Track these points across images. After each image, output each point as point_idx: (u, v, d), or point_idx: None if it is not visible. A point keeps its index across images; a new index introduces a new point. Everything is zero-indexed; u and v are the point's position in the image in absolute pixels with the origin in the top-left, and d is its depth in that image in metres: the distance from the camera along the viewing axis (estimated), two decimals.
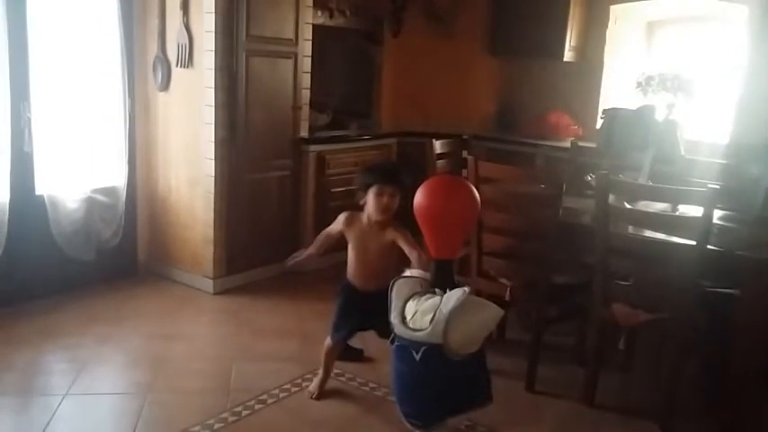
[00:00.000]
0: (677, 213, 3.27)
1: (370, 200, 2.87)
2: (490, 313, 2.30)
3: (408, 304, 2.36)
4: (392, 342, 2.45)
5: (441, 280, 2.40)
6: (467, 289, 2.28)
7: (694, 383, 3.33)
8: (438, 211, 2.40)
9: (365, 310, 3.01)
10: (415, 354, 2.30)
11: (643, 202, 3.31)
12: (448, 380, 2.31)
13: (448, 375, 2.30)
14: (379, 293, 2.77)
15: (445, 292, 2.32)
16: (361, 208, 3.02)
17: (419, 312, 2.31)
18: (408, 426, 2.45)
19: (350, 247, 3.07)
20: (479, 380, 2.40)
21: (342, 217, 3.05)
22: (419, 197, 2.42)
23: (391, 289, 2.43)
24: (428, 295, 2.35)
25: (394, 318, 2.37)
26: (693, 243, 2.81)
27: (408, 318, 2.34)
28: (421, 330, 2.27)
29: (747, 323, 2.89)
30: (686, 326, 2.95)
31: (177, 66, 4.37)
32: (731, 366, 3.00)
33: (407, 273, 2.51)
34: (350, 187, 5.10)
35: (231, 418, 2.96)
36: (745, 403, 2.94)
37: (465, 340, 2.26)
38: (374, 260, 3.00)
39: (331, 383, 3.30)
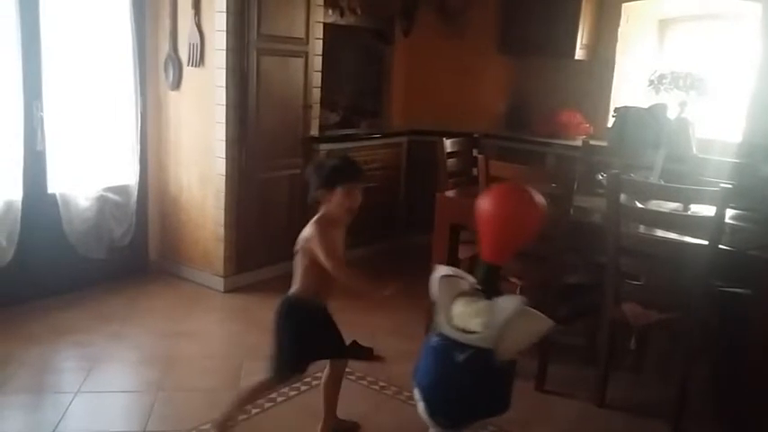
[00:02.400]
0: (689, 213, 3.25)
1: (338, 199, 2.55)
2: (542, 325, 2.30)
3: (456, 303, 2.35)
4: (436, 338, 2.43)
5: (488, 283, 2.40)
6: (523, 298, 2.29)
7: (706, 384, 3.31)
8: (504, 218, 2.39)
9: (332, 328, 2.72)
10: (458, 355, 2.29)
11: (655, 202, 3.29)
12: (485, 385, 2.31)
13: (487, 381, 2.31)
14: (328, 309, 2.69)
15: (489, 295, 2.32)
16: (315, 207, 2.65)
17: (468, 313, 2.30)
18: (431, 424, 2.44)
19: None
20: (508, 388, 2.41)
21: (322, 229, 2.57)
22: (488, 203, 2.41)
23: (436, 286, 2.41)
24: (475, 297, 2.35)
25: (441, 317, 2.36)
26: (706, 243, 2.79)
27: (454, 317, 2.33)
28: (472, 333, 2.27)
29: (760, 323, 2.87)
30: (698, 326, 2.93)
31: (189, 65, 4.39)
32: (744, 366, 2.98)
33: (445, 270, 2.48)
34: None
35: (241, 417, 2.96)
36: (757, 403, 2.92)
37: (512, 348, 2.27)
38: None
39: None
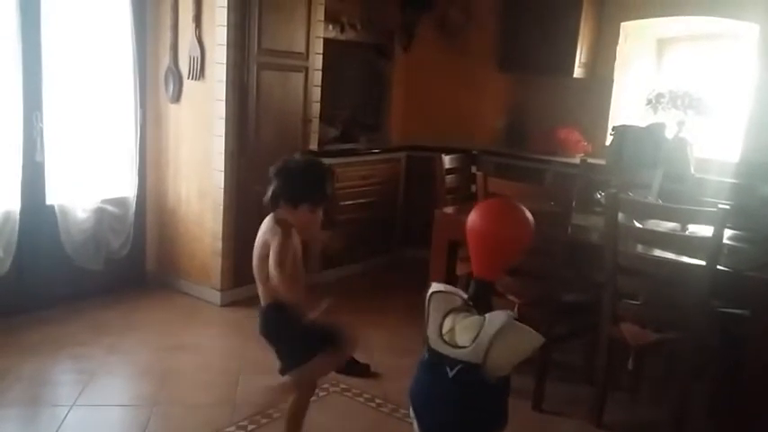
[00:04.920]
0: (687, 233, 3.25)
1: (302, 215, 2.47)
2: (532, 341, 2.30)
3: (447, 319, 2.36)
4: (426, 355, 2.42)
5: (479, 299, 2.41)
6: (511, 313, 2.29)
7: (704, 404, 3.30)
8: (491, 234, 2.40)
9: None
10: (448, 370, 2.29)
11: (653, 221, 3.30)
12: (477, 400, 2.31)
13: (478, 396, 2.30)
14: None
15: (481, 311, 2.33)
16: (272, 208, 2.55)
17: (458, 328, 2.31)
18: None
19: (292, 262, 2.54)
20: (502, 404, 2.40)
21: (285, 233, 2.48)
22: (476, 217, 2.42)
23: (429, 301, 2.41)
24: (465, 312, 2.36)
25: (431, 331, 2.36)
26: (703, 263, 2.80)
27: (444, 332, 2.34)
28: (461, 348, 2.27)
29: (758, 343, 2.87)
30: (696, 346, 2.93)
31: (189, 78, 4.40)
32: (742, 387, 2.98)
33: (438, 287, 2.49)
34: (359, 200, 5.18)
35: (251, 427, 2.95)
36: (755, 424, 2.91)
37: (502, 363, 2.27)
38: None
39: (337, 399, 3.29)
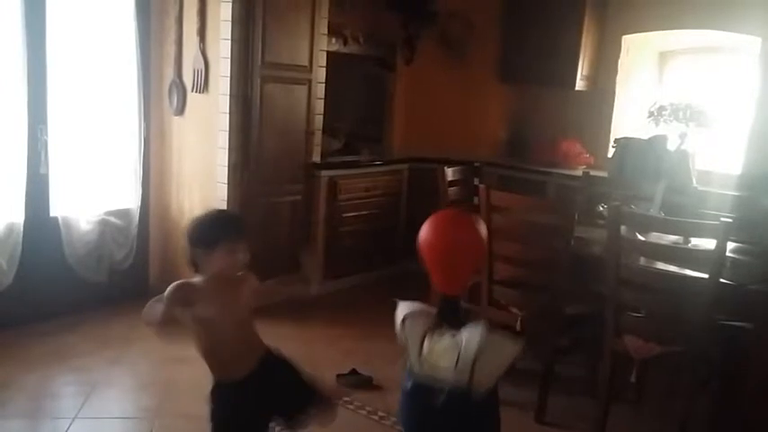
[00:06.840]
0: (690, 246, 3.25)
1: (219, 259, 2.32)
2: (512, 351, 2.25)
3: (424, 343, 2.30)
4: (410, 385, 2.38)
5: (448, 315, 2.35)
6: (484, 325, 2.23)
7: (706, 417, 3.29)
8: (444, 247, 2.27)
9: (261, 401, 2.42)
10: (436, 398, 2.24)
11: (655, 234, 3.30)
12: (471, 421, 2.28)
13: (471, 417, 2.27)
14: (265, 366, 2.43)
15: (452, 327, 2.29)
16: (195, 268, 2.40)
17: (436, 351, 2.25)
18: None
19: (203, 329, 2.36)
20: (494, 420, 2.38)
21: (173, 295, 2.35)
22: (425, 232, 2.29)
23: (402, 330, 2.35)
24: (438, 331, 2.30)
25: (413, 358, 2.30)
26: (706, 276, 2.80)
27: (424, 357, 2.28)
28: (446, 369, 2.23)
29: (760, 356, 2.87)
30: (699, 359, 2.93)
31: (192, 91, 4.42)
32: (744, 400, 2.98)
33: (405, 309, 2.42)
34: (361, 212, 5.19)
35: None
36: None
37: (487, 379, 2.22)
38: (244, 323, 2.46)
39: (338, 412, 3.27)
